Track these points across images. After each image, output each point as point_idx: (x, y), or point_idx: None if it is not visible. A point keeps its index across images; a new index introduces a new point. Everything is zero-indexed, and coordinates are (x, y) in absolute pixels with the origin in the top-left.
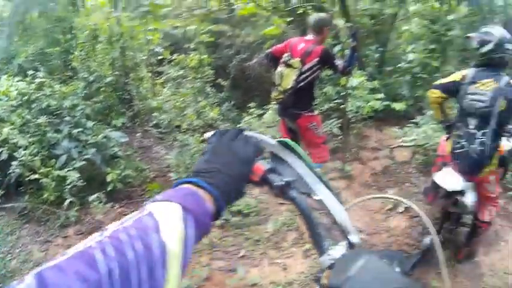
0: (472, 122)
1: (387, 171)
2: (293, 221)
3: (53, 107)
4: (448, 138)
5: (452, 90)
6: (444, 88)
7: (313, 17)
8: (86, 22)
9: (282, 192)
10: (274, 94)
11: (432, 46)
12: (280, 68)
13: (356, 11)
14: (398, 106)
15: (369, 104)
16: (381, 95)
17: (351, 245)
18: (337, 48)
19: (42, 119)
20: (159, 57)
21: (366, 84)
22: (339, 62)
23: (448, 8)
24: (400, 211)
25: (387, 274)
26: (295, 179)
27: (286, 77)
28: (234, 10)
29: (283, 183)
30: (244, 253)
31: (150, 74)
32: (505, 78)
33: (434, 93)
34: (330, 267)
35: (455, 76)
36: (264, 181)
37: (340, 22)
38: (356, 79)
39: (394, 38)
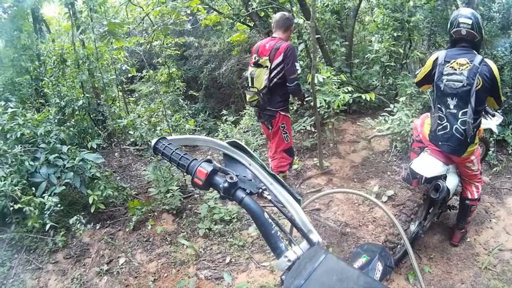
0: (452, 103)
1: (367, 162)
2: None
3: (27, 135)
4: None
5: (430, 79)
6: (424, 83)
7: (279, 14)
8: (52, 47)
9: (228, 193)
10: (249, 97)
11: (397, 34)
12: (251, 69)
13: (317, 8)
14: (368, 97)
15: (339, 97)
16: (350, 88)
17: (311, 244)
18: (301, 47)
19: (18, 149)
20: (129, 75)
21: (334, 79)
22: (298, 67)
23: None
24: (384, 200)
25: (345, 274)
26: (241, 179)
27: (258, 77)
28: (197, 21)
29: (227, 184)
30: (230, 260)
31: (121, 93)
32: (479, 57)
33: (424, 88)
34: (288, 269)
35: (427, 66)
36: (208, 184)
37: (300, 21)
38: (322, 75)
39: (358, 30)
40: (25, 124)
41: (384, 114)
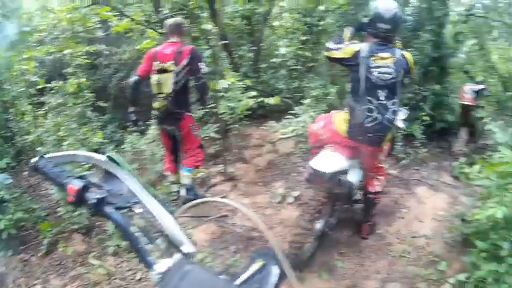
0: (382, 94)
1: (272, 165)
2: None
3: None
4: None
5: (350, 64)
6: (337, 62)
7: (173, 20)
8: None
9: (97, 209)
10: (156, 105)
11: (305, 38)
12: (156, 77)
13: (227, 14)
14: (271, 101)
15: (242, 103)
16: (254, 93)
17: (185, 256)
18: (207, 53)
19: None
20: (39, 87)
21: (238, 84)
22: (203, 67)
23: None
24: (290, 201)
25: (214, 284)
26: (113, 194)
27: (165, 83)
28: (109, 28)
29: (95, 200)
30: (141, 276)
31: (31, 107)
32: (398, 51)
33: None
34: (159, 282)
35: (347, 53)
36: (80, 200)
37: (209, 27)
38: (227, 81)
39: (268, 35)
40: None
41: (289, 117)
